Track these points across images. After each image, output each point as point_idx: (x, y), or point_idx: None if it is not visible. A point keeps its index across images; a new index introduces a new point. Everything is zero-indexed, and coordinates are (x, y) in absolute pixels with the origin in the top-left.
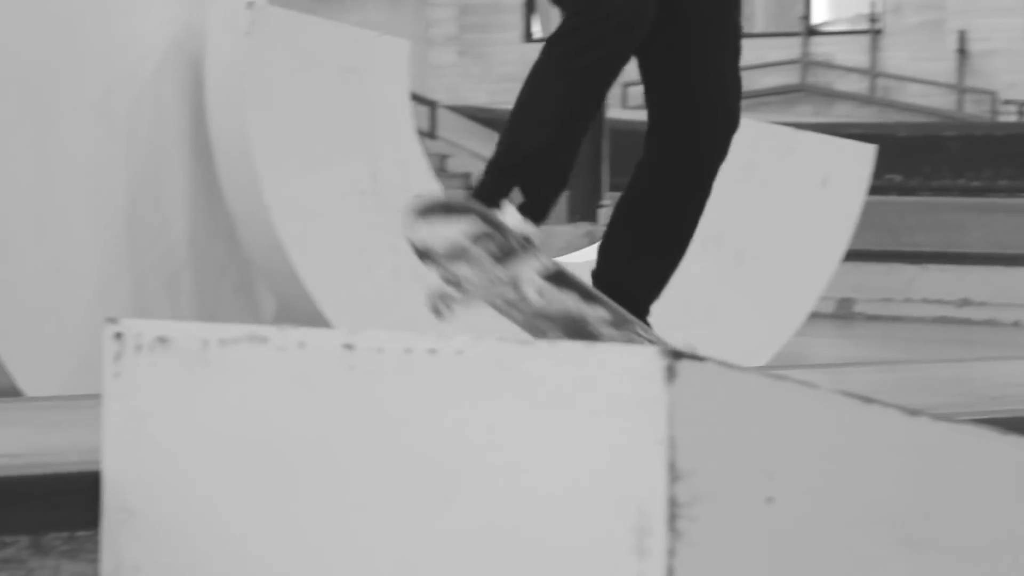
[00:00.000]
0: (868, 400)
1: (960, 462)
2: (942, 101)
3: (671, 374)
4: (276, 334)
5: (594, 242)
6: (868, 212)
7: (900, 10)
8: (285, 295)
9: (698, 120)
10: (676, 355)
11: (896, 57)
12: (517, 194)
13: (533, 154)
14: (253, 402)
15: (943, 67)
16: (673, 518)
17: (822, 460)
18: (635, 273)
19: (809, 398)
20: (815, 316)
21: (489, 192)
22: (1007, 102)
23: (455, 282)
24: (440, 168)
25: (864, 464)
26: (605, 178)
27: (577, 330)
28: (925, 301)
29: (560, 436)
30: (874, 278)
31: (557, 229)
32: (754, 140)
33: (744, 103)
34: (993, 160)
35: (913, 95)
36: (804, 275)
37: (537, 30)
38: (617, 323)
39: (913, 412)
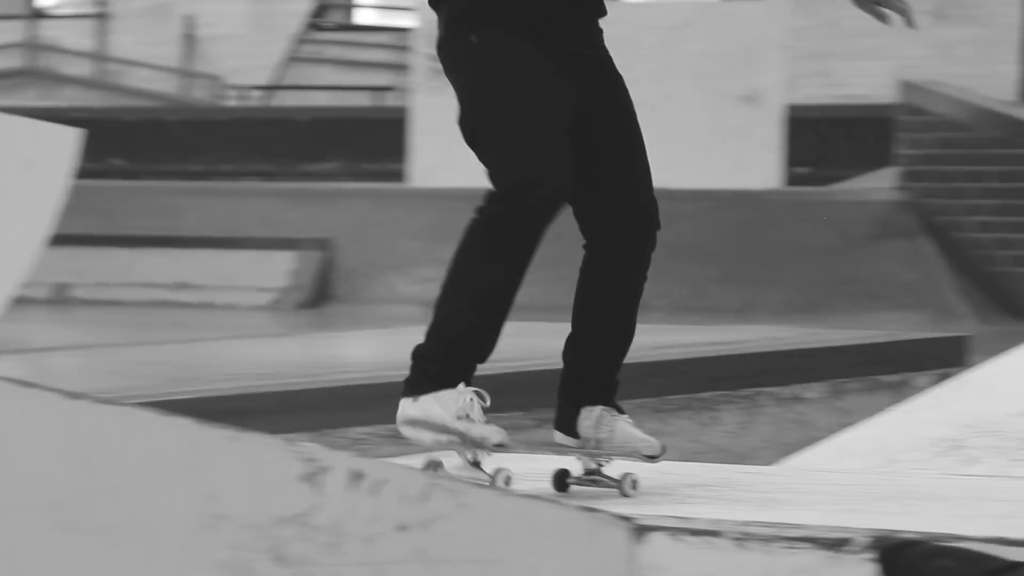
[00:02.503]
0: (28, 384)
1: (120, 444)
2: (169, 85)
3: None
4: None
5: None
6: (88, 197)
7: None
8: None
9: (630, 222)
10: None
11: (123, 41)
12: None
13: (476, 335)
14: None
15: (170, 52)
16: None
17: None
18: (598, 364)
19: None
20: (31, 302)
21: (435, 381)
22: (231, 87)
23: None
24: None
25: (21, 447)
26: None
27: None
28: (142, 285)
29: None
30: (91, 263)
31: None
32: None
33: None
34: (216, 144)
35: (140, 79)
36: (3, 261)
37: None
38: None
39: (75, 395)
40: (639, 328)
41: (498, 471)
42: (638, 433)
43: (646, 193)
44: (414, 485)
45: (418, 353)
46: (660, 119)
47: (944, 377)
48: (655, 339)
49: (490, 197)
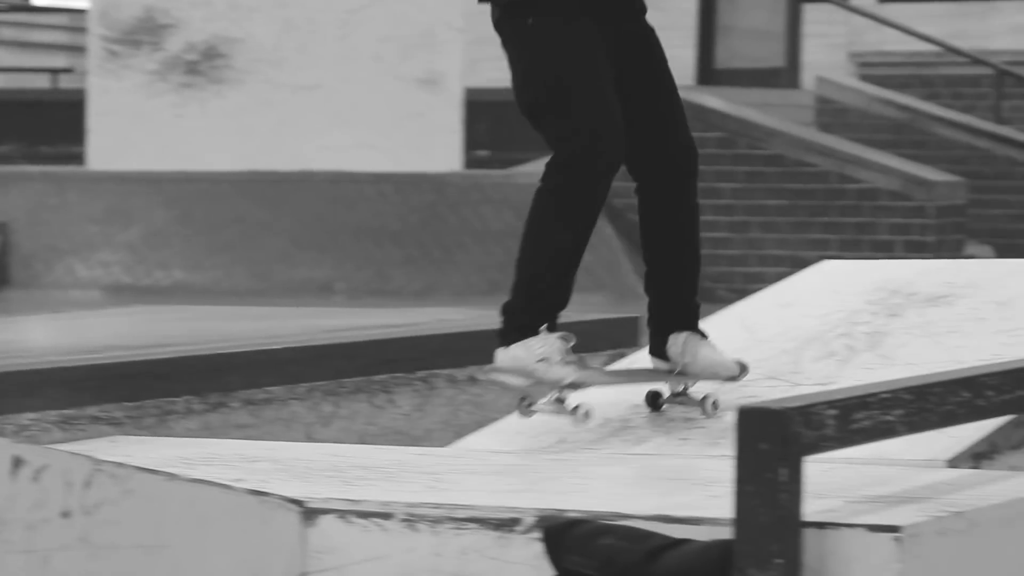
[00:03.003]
0: None
1: None
2: None
3: None
4: None
5: None
6: None
7: None
8: None
9: (672, 160)
10: None
11: None
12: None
13: (554, 290)
14: None
15: None
16: None
17: None
18: (675, 291)
19: None
20: None
21: (521, 331)
22: None
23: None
24: None
25: None
26: None
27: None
28: None
29: None
30: None
31: None
32: None
33: None
34: None
35: None
36: None
37: None
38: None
39: None
40: (314, 312)
41: (577, 407)
42: (719, 357)
43: (683, 131)
44: (77, 471)
45: (507, 308)
46: (340, 102)
47: (618, 357)
48: (329, 322)
49: (555, 165)
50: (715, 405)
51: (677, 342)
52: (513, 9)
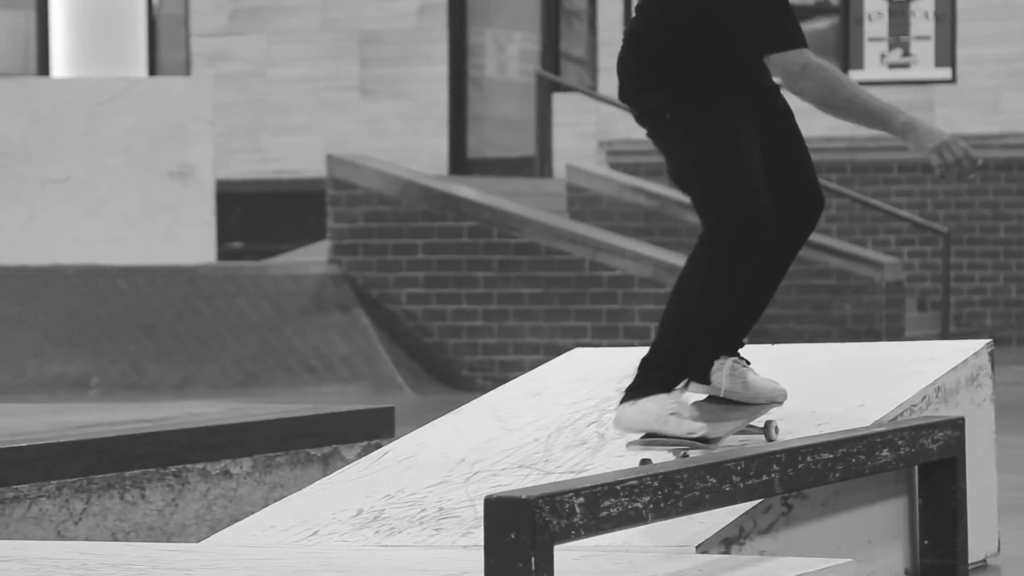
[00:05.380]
0: None
1: None
2: None
3: None
4: None
5: None
6: None
7: None
8: None
9: (802, 209)
10: None
11: None
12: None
13: (695, 347)
14: None
15: None
16: None
17: None
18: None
19: None
20: None
21: (659, 384)
22: None
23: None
24: None
25: None
26: None
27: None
28: None
29: None
30: None
31: None
32: None
33: None
34: None
35: None
36: None
37: None
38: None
39: None
40: (65, 407)
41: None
42: (768, 383)
43: (814, 182)
44: None
45: (646, 362)
46: (90, 195)
47: (373, 448)
48: (79, 418)
49: (716, 232)
50: (776, 430)
51: (723, 367)
52: (680, 105)
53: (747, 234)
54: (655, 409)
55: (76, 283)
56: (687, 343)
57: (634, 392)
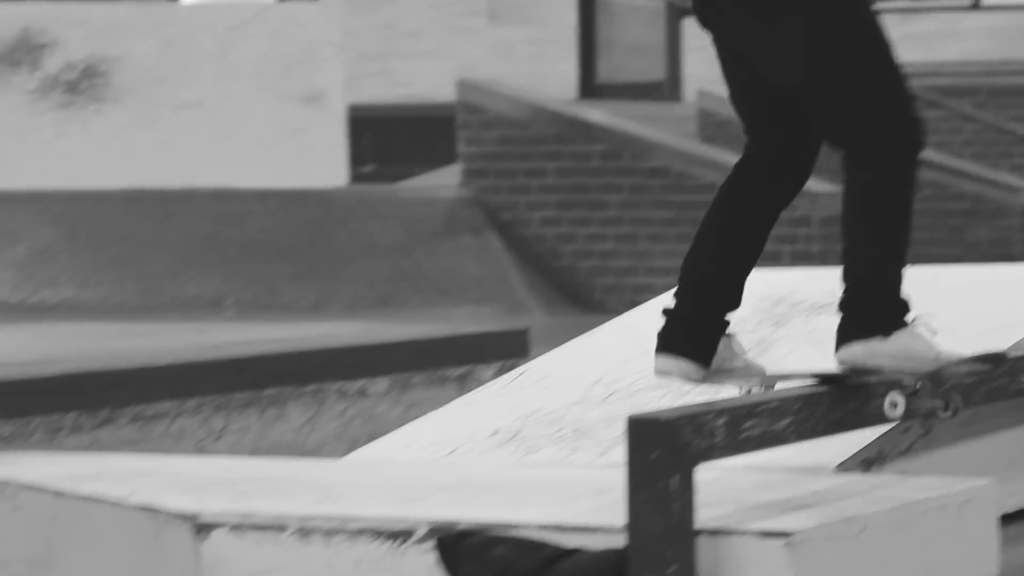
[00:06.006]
0: None
1: None
2: None
3: None
4: None
5: None
6: None
7: None
8: None
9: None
10: None
11: None
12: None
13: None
14: None
15: None
16: None
17: None
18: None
19: None
20: None
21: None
22: None
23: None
24: None
25: None
26: None
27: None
28: None
29: None
30: None
31: None
32: None
33: None
34: None
35: None
36: None
37: None
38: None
39: None
40: (204, 327)
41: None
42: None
43: None
44: None
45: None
46: (222, 119)
47: (508, 368)
48: (218, 337)
49: (885, 141)
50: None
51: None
52: None
53: (920, 138)
54: (917, 345)
55: (210, 206)
56: (898, 272)
57: (887, 327)
